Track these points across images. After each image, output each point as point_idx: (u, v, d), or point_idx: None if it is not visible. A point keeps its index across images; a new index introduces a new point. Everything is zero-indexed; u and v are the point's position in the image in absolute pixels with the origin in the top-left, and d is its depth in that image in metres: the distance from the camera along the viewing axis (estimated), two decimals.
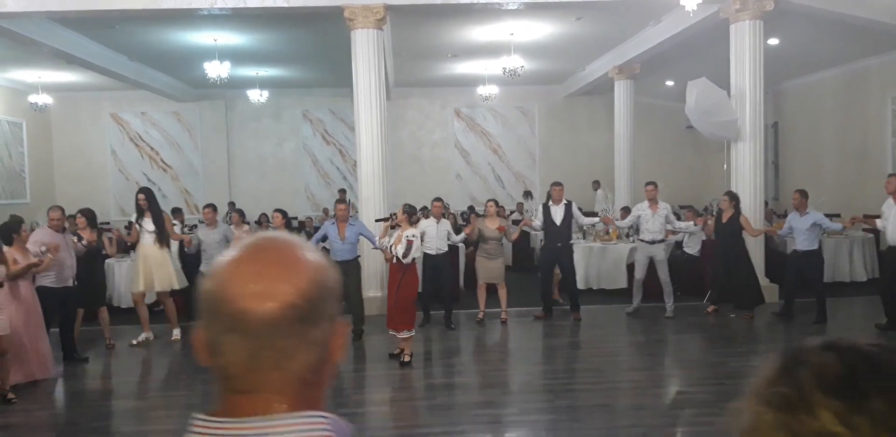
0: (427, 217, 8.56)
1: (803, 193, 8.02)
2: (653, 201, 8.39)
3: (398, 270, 6.40)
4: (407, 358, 6.43)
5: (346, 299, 7.78)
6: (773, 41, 10.85)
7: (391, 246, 6.45)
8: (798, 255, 7.95)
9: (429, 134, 17.75)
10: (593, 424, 4.86)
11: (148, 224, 7.47)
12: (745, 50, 8.96)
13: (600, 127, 17.06)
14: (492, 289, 8.50)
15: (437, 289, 8.12)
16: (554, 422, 4.91)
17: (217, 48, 11.53)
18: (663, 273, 8.38)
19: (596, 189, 16.38)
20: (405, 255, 6.29)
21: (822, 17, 9.53)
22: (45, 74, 13.98)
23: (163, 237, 7.50)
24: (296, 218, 16.16)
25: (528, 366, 6.66)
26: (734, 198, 8.26)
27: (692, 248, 9.73)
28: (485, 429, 4.94)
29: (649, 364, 6.64)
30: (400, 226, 6.58)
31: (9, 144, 15.09)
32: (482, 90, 14.57)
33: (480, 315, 8.38)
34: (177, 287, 7.59)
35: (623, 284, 9.81)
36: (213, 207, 8.07)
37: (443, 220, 8.25)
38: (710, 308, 8.56)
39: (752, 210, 8.92)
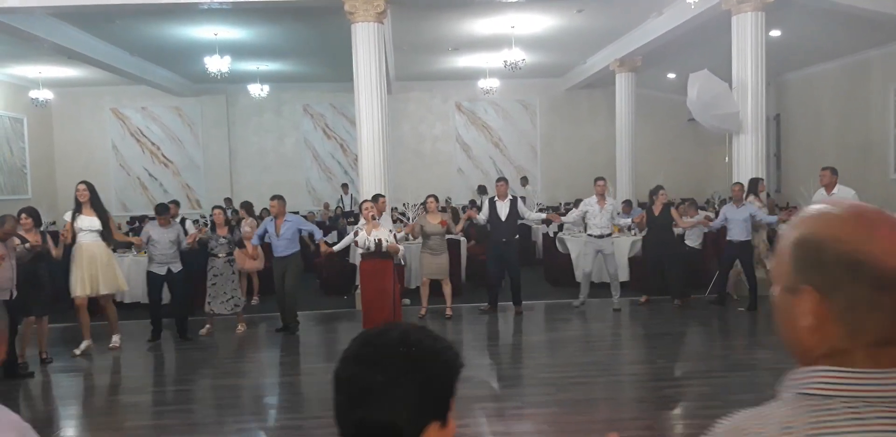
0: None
1: (741, 187, 8.48)
2: (601, 197, 8.48)
3: (388, 266, 6.30)
4: None
5: (284, 294, 7.69)
6: (775, 33, 10.82)
7: (374, 241, 6.28)
8: (733, 245, 8.36)
9: (430, 128, 17.73)
10: (596, 417, 4.87)
11: (89, 222, 6.83)
12: (747, 42, 8.93)
13: (602, 120, 17.04)
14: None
15: None
16: (556, 415, 4.92)
17: (217, 43, 11.51)
18: (612, 267, 8.52)
19: (524, 185, 16.41)
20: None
21: (824, 8, 9.49)
22: (46, 69, 13.98)
23: (108, 235, 6.94)
24: (297, 212, 16.18)
25: (530, 359, 6.67)
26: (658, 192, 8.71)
27: (694, 241, 9.72)
28: (487, 422, 4.96)
29: (651, 357, 6.65)
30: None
31: (10, 140, 15.11)
32: (483, 84, 14.54)
33: (422, 312, 8.26)
34: (125, 289, 7.15)
35: (626, 276, 9.81)
36: (167, 207, 7.62)
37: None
38: (644, 298, 8.82)
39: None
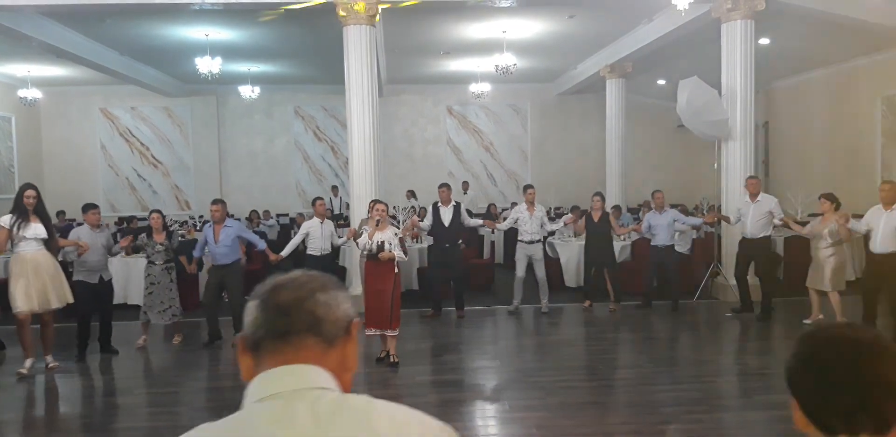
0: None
1: (662, 195, 8.91)
2: (531, 204, 8.64)
3: (390, 269, 6.34)
4: (397, 359, 6.38)
5: (218, 305, 7.40)
6: (765, 41, 10.91)
7: (377, 243, 6.29)
8: (658, 250, 8.74)
9: (421, 131, 17.75)
10: (584, 421, 4.88)
11: (36, 229, 6.18)
12: (737, 49, 9.01)
13: (592, 125, 17.11)
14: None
15: None
16: (546, 419, 4.93)
17: (208, 43, 11.48)
18: (540, 271, 8.60)
19: (466, 190, 16.49)
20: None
21: (812, 17, 9.58)
22: (35, 68, 13.89)
23: (54, 243, 6.35)
24: (286, 215, 16.16)
25: (520, 363, 6.68)
26: (604, 199, 8.93)
27: (682, 246, 9.78)
28: (476, 426, 4.96)
29: (640, 362, 6.67)
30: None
31: None
32: (475, 88, 14.57)
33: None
34: (71, 302, 6.43)
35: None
36: (98, 208, 7.05)
37: (327, 220, 8.02)
38: (587, 303, 8.95)
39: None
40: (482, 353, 7.13)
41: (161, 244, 7.26)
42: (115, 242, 7.48)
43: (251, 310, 1.12)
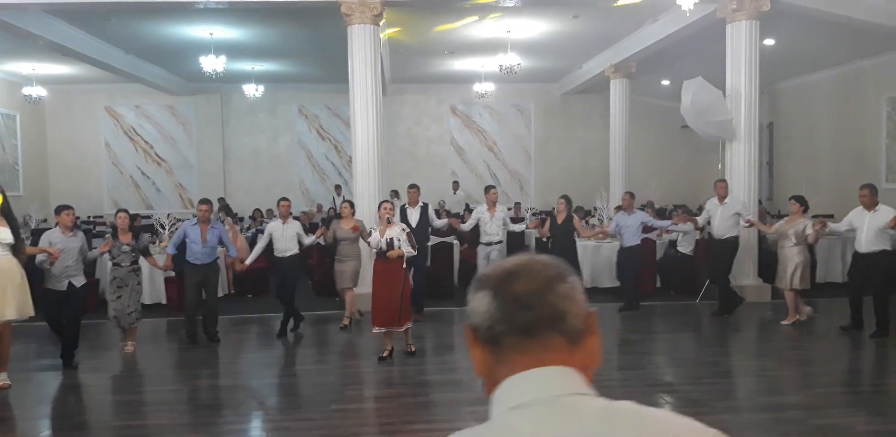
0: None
1: (632, 195, 9.10)
2: (493, 205, 8.63)
3: (399, 266, 6.37)
4: (413, 348, 6.57)
5: (199, 305, 7.35)
6: (769, 41, 10.88)
7: (385, 241, 6.36)
8: (624, 250, 8.86)
9: (424, 130, 17.75)
10: None
11: (2, 233, 5.58)
12: (741, 50, 8.99)
13: (596, 125, 17.09)
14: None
15: (282, 293, 7.76)
16: None
17: (213, 42, 11.50)
18: None
19: (455, 190, 16.47)
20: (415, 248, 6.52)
21: (817, 17, 9.56)
22: (40, 66, 13.92)
23: (20, 249, 5.74)
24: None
25: None
26: (569, 201, 8.92)
27: (685, 247, 9.77)
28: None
29: (641, 363, 6.66)
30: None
31: (2, 137, 15.04)
32: (478, 87, 14.56)
33: (345, 321, 7.99)
34: (32, 315, 5.78)
35: (616, 282, 9.83)
36: (72, 209, 6.53)
37: (291, 220, 8.00)
38: None
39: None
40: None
41: (127, 245, 6.84)
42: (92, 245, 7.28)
43: (481, 301, 1.01)
